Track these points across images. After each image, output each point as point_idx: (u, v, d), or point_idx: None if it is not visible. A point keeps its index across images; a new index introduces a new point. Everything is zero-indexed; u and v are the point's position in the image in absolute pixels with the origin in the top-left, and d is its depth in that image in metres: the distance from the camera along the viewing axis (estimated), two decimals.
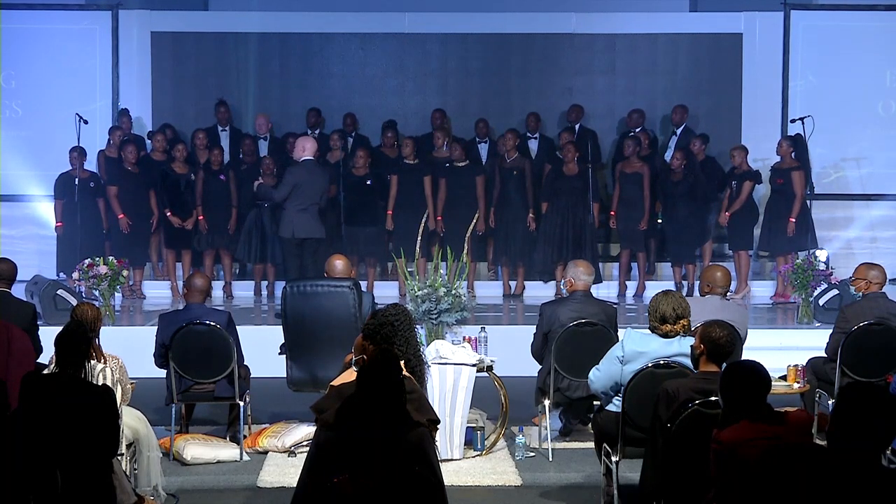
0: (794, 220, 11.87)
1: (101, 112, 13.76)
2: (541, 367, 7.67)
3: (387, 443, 4.54)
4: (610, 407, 6.25)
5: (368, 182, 12.08)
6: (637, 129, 13.01)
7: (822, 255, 11.00)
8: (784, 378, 7.28)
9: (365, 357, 5.35)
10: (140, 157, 12.33)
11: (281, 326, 7.96)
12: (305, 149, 11.16)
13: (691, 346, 5.62)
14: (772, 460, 4.09)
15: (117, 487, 5.43)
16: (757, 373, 4.62)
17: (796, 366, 7.43)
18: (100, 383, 5.97)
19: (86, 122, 12.44)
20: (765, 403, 4.57)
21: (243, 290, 12.58)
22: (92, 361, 5.97)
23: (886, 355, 7.20)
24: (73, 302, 9.93)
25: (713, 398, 5.08)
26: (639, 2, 14.22)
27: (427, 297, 8.07)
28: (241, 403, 7.46)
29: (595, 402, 6.97)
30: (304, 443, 7.24)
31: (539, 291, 12.14)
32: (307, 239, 11.07)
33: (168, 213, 12.16)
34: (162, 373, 7.54)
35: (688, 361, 5.79)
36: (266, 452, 7.44)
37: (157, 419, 7.44)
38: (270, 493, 6.76)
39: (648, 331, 6.15)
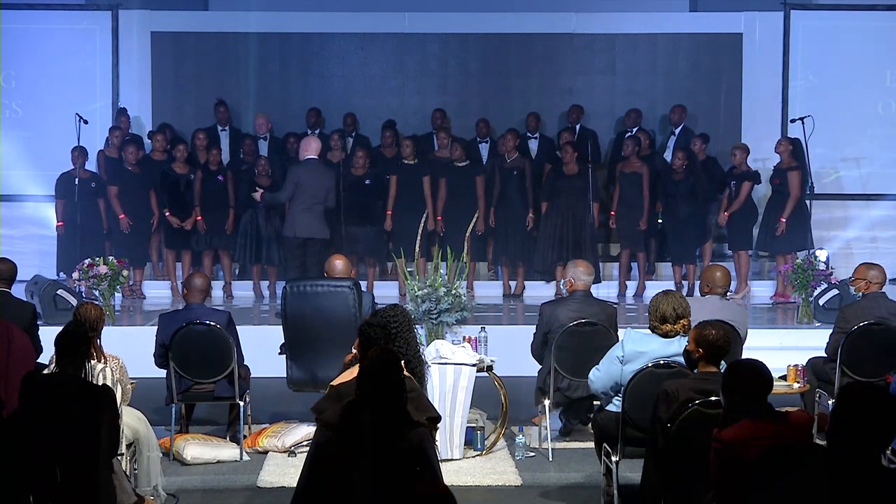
0: (784, 219, 11.87)
1: (101, 112, 13.75)
2: (541, 367, 7.67)
3: (387, 443, 4.54)
4: (610, 407, 6.26)
5: (367, 182, 12.08)
6: (634, 129, 13.00)
7: (822, 255, 11.00)
8: (784, 378, 7.29)
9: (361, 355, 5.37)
10: (140, 157, 12.33)
11: (281, 326, 7.96)
12: (309, 148, 11.17)
13: (686, 349, 5.62)
14: (772, 460, 4.09)
15: (117, 487, 5.43)
16: (759, 371, 4.63)
17: (796, 366, 7.44)
18: (100, 383, 5.97)
19: (86, 122, 12.43)
20: (766, 403, 4.57)
21: (243, 290, 12.56)
22: (92, 361, 5.97)
23: (886, 355, 7.20)
24: (73, 302, 9.94)
25: (713, 398, 5.09)
26: (639, 2, 14.21)
27: (427, 297, 8.07)
28: (241, 403, 7.46)
29: (595, 402, 6.97)
30: (304, 443, 7.24)
31: (539, 291, 12.14)
32: (310, 239, 11.06)
33: (167, 214, 12.15)
34: (162, 373, 7.54)
35: None
36: (266, 452, 7.44)
37: (157, 419, 7.44)
38: (270, 493, 6.76)
39: (648, 331, 6.16)
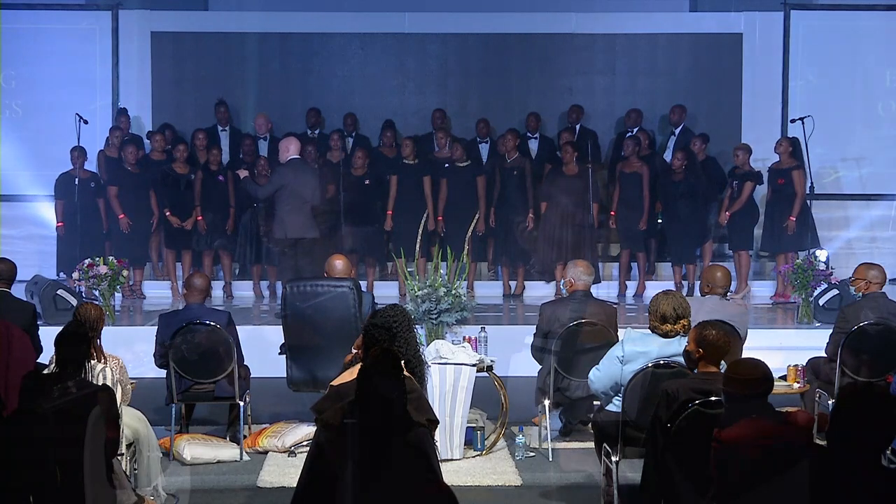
0: (794, 218, 11.87)
1: (101, 112, 13.75)
2: (541, 367, 7.67)
3: (387, 443, 4.54)
4: (610, 407, 6.26)
5: (367, 182, 12.08)
6: (635, 129, 13.01)
7: (822, 255, 10.99)
8: (784, 378, 7.29)
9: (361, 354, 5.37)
10: (140, 158, 12.33)
11: (281, 326, 7.96)
12: (290, 149, 11.21)
13: (686, 349, 5.62)
14: (772, 460, 4.09)
15: (117, 487, 5.43)
16: (760, 371, 4.64)
17: (796, 366, 7.45)
18: (100, 383, 5.97)
19: (86, 122, 12.42)
20: (766, 402, 4.58)
21: (243, 290, 12.57)
22: (92, 361, 5.98)
23: (886, 355, 7.20)
24: (73, 302, 9.94)
25: (713, 398, 5.09)
26: (639, 2, 14.21)
27: (427, 297, 8.08)
28: (241, 403, 7.46)
29: (595, 402, 6.97)
30: (304, 443, 7.25)
31: (539, 291, 12.15)
32: (301, 239, 11.08)
33: (167, 213, 12.15)
34: (162, 373, 7.55)
35: None
36: (266, 452, 7.44)
37: (157, 419, 7.43)
38: (270, 493, 6.76)
39: (648, 331, 6.16)
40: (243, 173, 11.87)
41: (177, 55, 14.19)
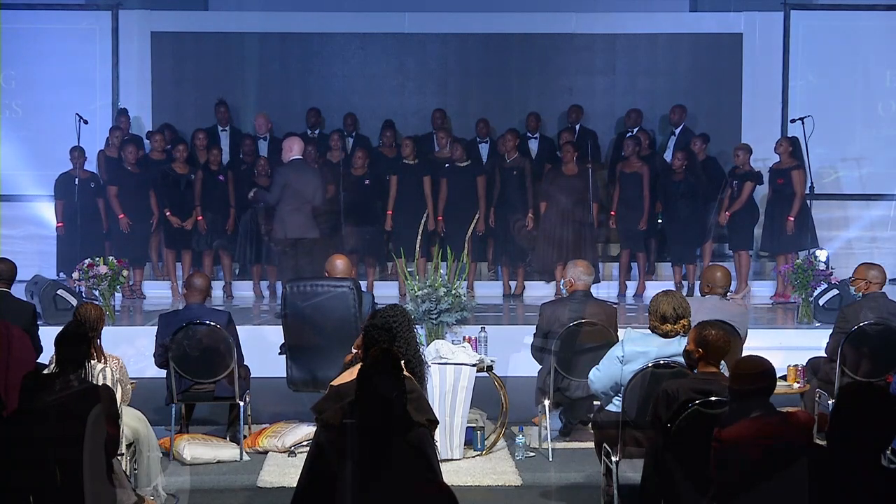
0: (792, 218, 11.86)
1: (101, 112, 13.75)
2: (541, 367, 7.67)
3: (387, 443, 4.54)
4: (610, 407, 6.26)
5: (367, 182, 12.09)
6: (635, 129, 13.01)
7: (822, 255, 11.00)
8: (784, 378, 7.29)
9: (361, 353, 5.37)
10: (140, 158, 12.33)
11: (281, 326, 7.97)
12: (292, 149, 11.21)
13: (686, 349, 5.62)
14: (772, 460, 4.10)
15: (117, 487, 5.43)
16: (763, 365, 4.67)
17: (796, 366, 7.45)
18: (100, 383, 5.97)
19: (86, 122, 12.43)
20: (768, 401, 4.59)
21: (243, 290, 12.57)
22: (92, 361, 5.98)
23: (886, 355, 7.20)
24: (73, 302, 9.94)
25: (713, 398, 5.09)
26: (639, 2, 14.22)
27: (427, 297, 8.08)
28: (241, 403, 7.46)
29: (595, 402, 6.97)
30: (304, 443, 7.25)
31: (539, 291, 12.15)
32: (301, 239, 11.10)
33: (167, 213, 12.15)
34: (162, 373, 7.55)
35: None
36: (266, 452, 7.44)
37: (157, 419, 7.43)
38: (270, 493, 6.76)
39: (648, 331, 6.16)
40: (254, 190, 11.85)
41: (177, 55, 14.19)
